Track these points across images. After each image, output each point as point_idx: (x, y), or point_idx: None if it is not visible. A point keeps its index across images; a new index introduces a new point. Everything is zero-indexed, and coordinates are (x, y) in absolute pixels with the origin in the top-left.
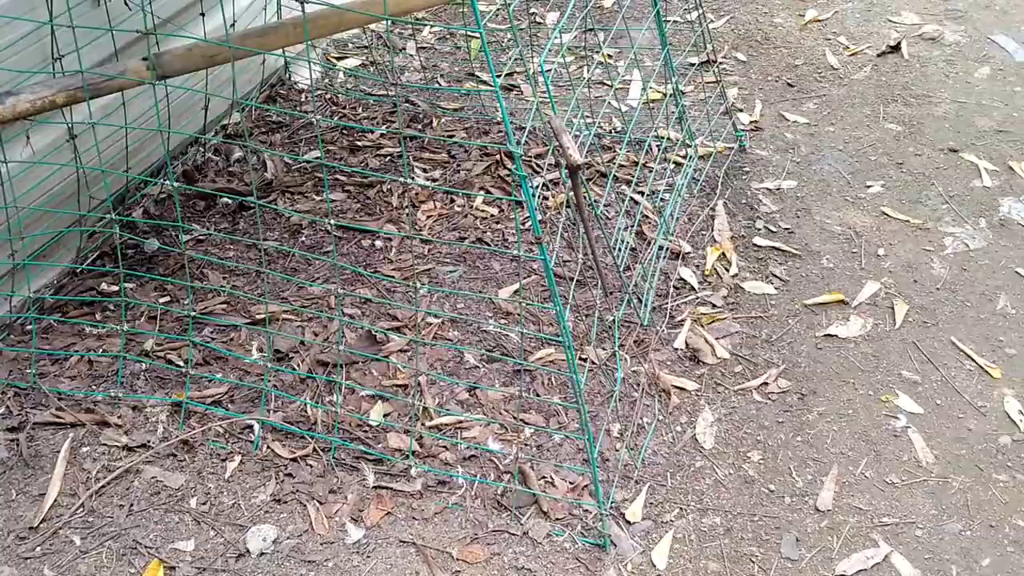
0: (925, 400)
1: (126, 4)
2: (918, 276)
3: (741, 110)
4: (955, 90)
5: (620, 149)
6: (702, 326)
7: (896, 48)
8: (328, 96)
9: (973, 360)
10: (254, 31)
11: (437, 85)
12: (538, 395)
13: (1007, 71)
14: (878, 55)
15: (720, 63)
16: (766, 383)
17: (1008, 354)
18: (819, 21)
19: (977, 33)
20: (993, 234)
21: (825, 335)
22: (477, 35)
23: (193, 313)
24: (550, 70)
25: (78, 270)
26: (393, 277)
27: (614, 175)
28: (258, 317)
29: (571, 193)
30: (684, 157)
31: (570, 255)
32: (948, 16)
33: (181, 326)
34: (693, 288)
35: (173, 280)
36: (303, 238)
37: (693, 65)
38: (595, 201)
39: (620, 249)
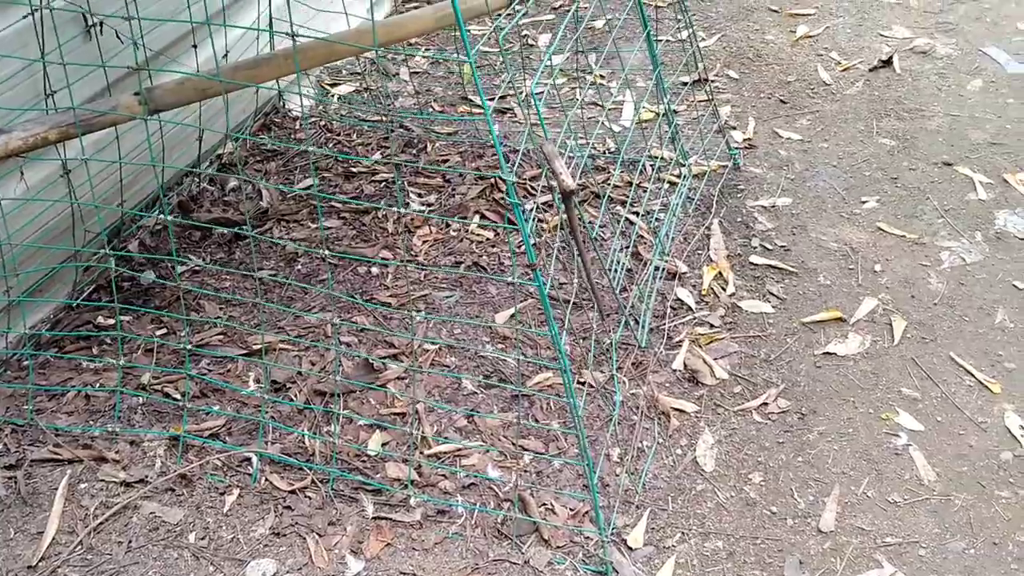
0: (925, 417)
1: (118, 37)
2: (915, 291)
3: (734, 128)
4: (948, 103)
5: (614, 170)
6: (700, 347)
7: (888, 62)
8: (322, 123)
9: (972, 375)
10: (245, 63)
11: (431, 110)
12: (537, 421)
13: (999, 83)
14: (870, 70)
15: (712, 81)
16: (766, 403)
17: (1007, 368)
18: (810, 37)
19: (968, 46)
20: (990, 247)
21: (824, 353)
22: (471, 59)
23: (189, 346)
24: (542, 92)
25: (74, 304)
26: (389, 305)
27: (609, 196)
28: (255, 348)
29: (565, 217)
30: (678, 176)
31: (566, 277)
32: (939, 29)
33: (178, 358)
34: (690, 308)
35: (169, 314)
36: (299, 266)
37: (685, 84)
38: (590, 223)
39: (616, 270)
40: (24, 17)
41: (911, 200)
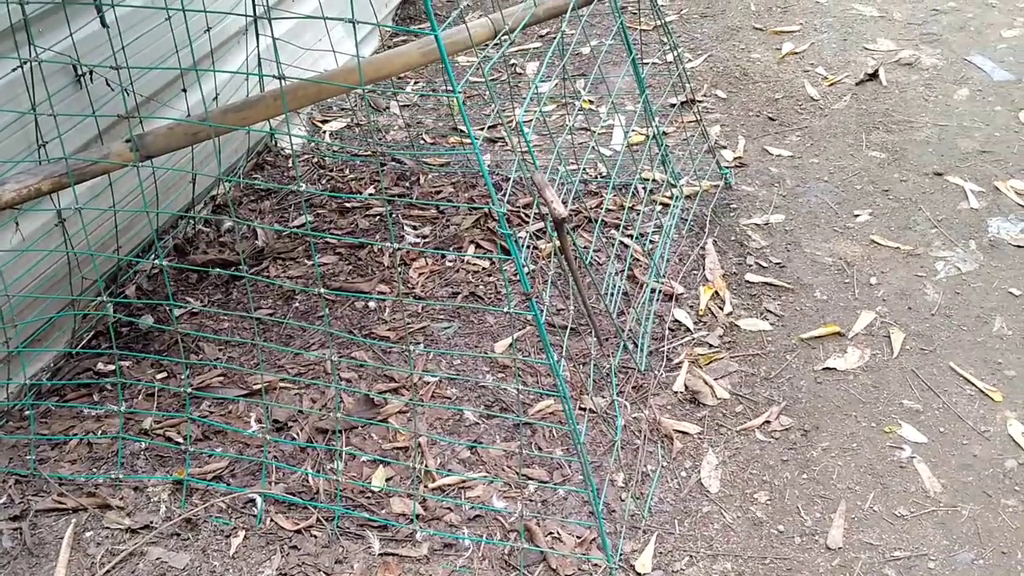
0: (928, 428)
1: (108, 85)
2: (912, 303)
3: (724, 147)
4: (936, 113)
5: (607, 194)
6: (700, 367)
7: (874, 75)
8: (315, 160)
9: (973, 384)
10: (235, 106)
11: (422, 142)
12: (540, 449)
13: (986, 91)
14: (857, 84)
15: (700, 102)
16: (768, 421)
17: (1008, 376)
18: (796, 54)
19: (953, 55)
20: (984, 256)
21: (824, 368)
22: (457, 93)
23: (190, 390)
24: (531, 120)
25: (74, 352)
26: (388, 339)
27: (602, 220)
28: (255, 388)
29: (559, 244)
30: (671, 198)
31: (563, 303)
32: (923, 40)
33: (179, 402)
34: (688, 329)
35: (169, 358)
36: (297, 304)
37: (674, 105)
38: (584, 248)
39: (612, 294)
40: (13, 70)
41: (904, 211)
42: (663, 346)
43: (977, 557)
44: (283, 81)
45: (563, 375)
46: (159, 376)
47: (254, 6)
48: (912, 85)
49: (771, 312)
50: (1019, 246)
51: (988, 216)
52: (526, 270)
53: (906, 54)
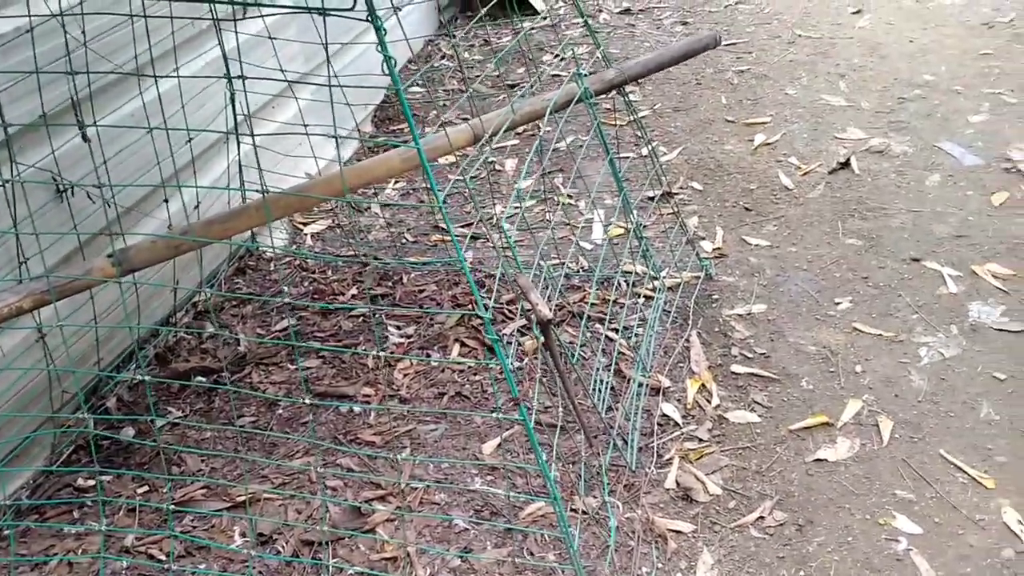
0: (923, 519)
1: (89, 198)
2: (898, 390)
3: (703, 238)
4: (909, 200)
5: (590, 288)
6: (691, 463)
7: (846, 164)
8: (297, 262)
9: (965, 472)
10: (219, 217)
11: (404, 241)
12: (532, 554)
13: (957, 176)
14: (830, 172)
15: (677, 194)
16: (762, 517)
17: (999, 462)
18: (768, 144)
19: (923, 142)
20: (966, 340)
21: (814, 460)
22: (441, 204)
23: (172, 505)
24: (514, 217)
25: (54, 469)
26: (374, 444)
27: (587, 314)
28: (238, 500)
29: (543, 343)
30: (653, 290)
31: (551, 400)
32: (892, 128)
33: (161, 517)
34: (677, 424)
35: (150, 474)
36: (280, 411)
37: (652, 198)
38: (570, 343)
39: (600, 390)
40: None
41: (884, 298)
42: (652, 442)
43: None
44: (266, 194)
45: (554, 476)
46: (140, 491)
47: (235, 116)
48: (884, 172)
49: (759, 404)
50: (1000, 330)
51: (967, 300)
52: (512, 367)
53: (876, 142)
